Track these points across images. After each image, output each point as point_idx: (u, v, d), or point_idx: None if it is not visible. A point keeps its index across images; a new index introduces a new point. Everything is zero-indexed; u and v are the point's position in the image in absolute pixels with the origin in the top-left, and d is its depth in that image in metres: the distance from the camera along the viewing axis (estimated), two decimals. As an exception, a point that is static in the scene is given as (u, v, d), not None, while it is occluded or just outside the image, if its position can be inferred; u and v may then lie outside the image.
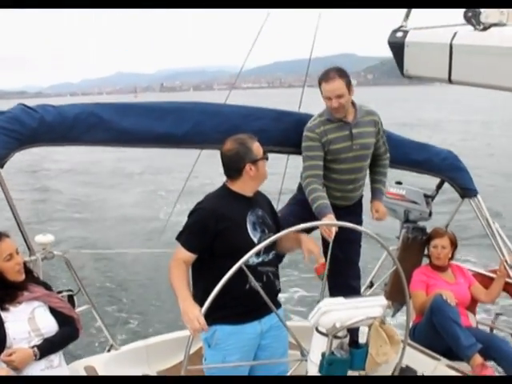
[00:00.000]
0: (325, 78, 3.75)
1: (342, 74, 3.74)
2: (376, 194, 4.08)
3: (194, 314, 2.75)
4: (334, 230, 3.28)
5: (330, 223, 3.21)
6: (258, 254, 3.08)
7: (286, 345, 3.31)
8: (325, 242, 4.10)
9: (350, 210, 3.97)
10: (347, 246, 4.04)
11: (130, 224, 13.20)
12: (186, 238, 3.11)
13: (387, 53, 3.71)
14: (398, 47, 3.42)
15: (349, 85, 3.75)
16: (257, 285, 2.84)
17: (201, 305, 2.79)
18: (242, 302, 3.02)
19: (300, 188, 4.13)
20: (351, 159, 3.91)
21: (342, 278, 3.94)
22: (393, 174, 4.72)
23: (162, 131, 3.73)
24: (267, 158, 3.25)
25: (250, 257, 2.73)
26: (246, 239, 3.09)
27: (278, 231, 3.16)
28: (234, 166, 3.18)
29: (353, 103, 3.91)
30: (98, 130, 3.55)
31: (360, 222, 4.01)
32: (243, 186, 3.21)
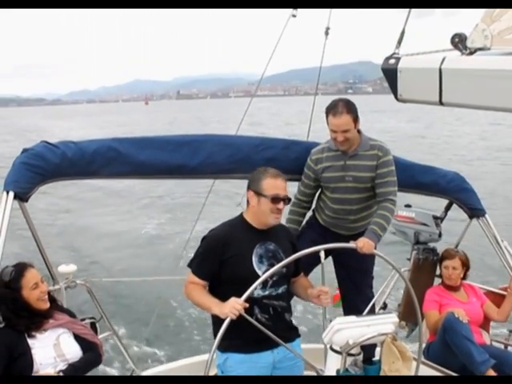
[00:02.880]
0: (332, 111, 3.80)
1: (349, 108, 3.78)
2: (366, 232, 3.78)
3: (231, 301, 2.84)
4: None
5: (332, 246, 3.19)
6: (264, 287, 3.12)
7: (301, 373, 3.32)
8: (336, 266, 4.23)
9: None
10: (356, 276, 4.15)
11: (149, 250, 13.31)
12: (196, 265, 3.19)
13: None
14: (391, 73, 3.49)
15: (356, 119, 3.82)
16: (250, 318, 2.88)
17: (215, 325, 2.92)
18: (250, 333, 2.98)
19: (313, 212, 4.29)
20: (342, 190, 3.96)
21: (355, 307, 3.94)
22: (403, 198, 4.78)
23: (177, 163, 3.88)
24: (274, 200, 3.14)
25: (253, 290, 2.83)
26: (248, 271, 3.09)
27: (296, 267, 3.28)
28: (246, 190, 3.29)
29: (360, 134, 3.94)
30: (117, 163, 3.70)
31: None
32: (251, 217, 3.25)
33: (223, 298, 2.93)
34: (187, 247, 4.96)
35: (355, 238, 3.66)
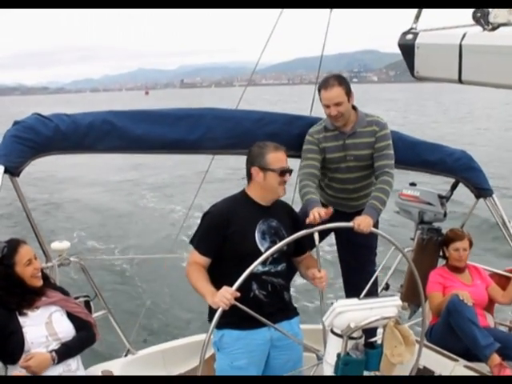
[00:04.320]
0: (324, 85, 3.76)
1: (341, 81, 3.76)
2: (365, 208, 3.69)
3: (222, 291, 2.82)
4: (317, 215, 3.19)
5: (328, 226, 3.09)
6: (264, 263, 3.10)
7: (301, 352, 3.31)
8: (339, 243, 4.21)
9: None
10: (360, 252, 4.09)
11: (145, 229, 13.32)
12: (198, 241, 3.19)
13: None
14: (408, 49, 3.40)
15: (348, 92, 3.76)
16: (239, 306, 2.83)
17: (210, 310, 2.91)
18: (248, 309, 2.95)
19: None
20: (344, 170, 3.93)
21: (357, 286, 3.93)
22: (408, 176, 4.74)
23: (175, 137, 3.78)
24: (281, 173, 3.19)
25: (256, 266, 2.80)
26: (251, 247, 3.11)
27: (298, 244, 3.23)
28: (247, 167, 3.29)
29: (356, 111, 3.90)
30: (112, 137, 3.61)
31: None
32: (255, 193, 3.26)
33: (225, 274, 2.95)
34: (184, 225, 4.93)
35: (357, 214, 3.60)
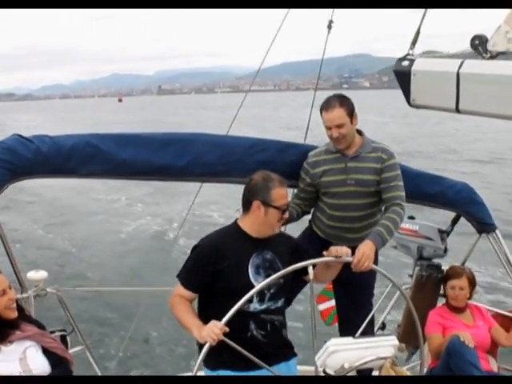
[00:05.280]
0: (325, 106, 3.83)
1: (343, 102, 3.82)
2: (370, 234, 3.70)
3: (210, 325, 2.81)
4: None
5: (324, 260, 3.10)
6: (261, 301, 3.12)
7: None
8: (334, 282, 4.15)
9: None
10: (357, 293, 4.12)
11: (125, 259, 13.27)
12: (186, 276, 3.18)
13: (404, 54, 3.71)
14: (404, 76, 3.49)
15: (351, 113, 3.83)
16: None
17: (200, 345, 2.88)
18: (242, 348, 2.91)
19: (310, 223, 4.27)
20: (343, 194, 3.92)
21: (353, 327, 3.93)
22: (407, 210, 4.75)
23: (162, 163, 3.84)
24: (283, 211, 3.20)
25: (245, 302, 2.80)
26: (244, 282, 3.08)
27: (297, 276, 3.21)
28: (246, 197, 3.26)
29: (361, 136, 3.97)
30: (96, 161, 3.66)
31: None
32: (251, 225, 3.25)
33: (217, 311, 2.91)
34: (172, 255, 4.95)
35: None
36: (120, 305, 9.02)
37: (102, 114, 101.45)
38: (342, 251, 3.11)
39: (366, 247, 3.37)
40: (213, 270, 3.09)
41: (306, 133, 4.97)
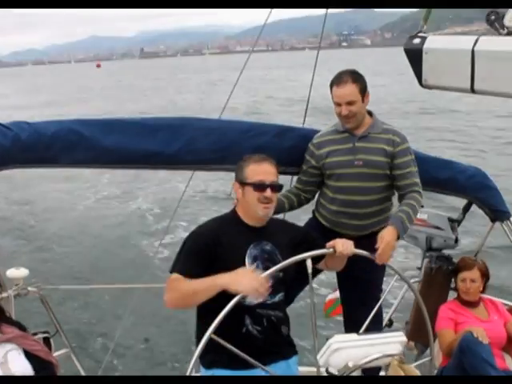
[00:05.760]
0: (336, 81, 3.78)
1: (356, 78, 3.78)
2: (391, 219, 3.74)
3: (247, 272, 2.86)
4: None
5: (326, 251, 3.10)
6: None
7: None
8: (339, 276, 4.17)
9: (362, 243, 3.42)
10: (364, 288, 4.06)
11: (112, 254, 13.21)
12: (182, 266, 3.09)
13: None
14: (415, 55, 3.49)
15: (363, 91, 3.78)
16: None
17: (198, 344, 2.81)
18: (239, 347, 2.86)
19: (313, 213, 4.22)
20: (350, 176, 3.85)
21: (360, 324, 3.91)
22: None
23: (151, 150, 3.79)
24: (261, 189, 3.14)
25: (238, 300, 2.74)
26: None
27: (299, 268, 3.11)
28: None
29: (372, 117, 3.93)
30: (79, 149, 3.61)
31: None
32: (242, 211, 3.26)
33: (211, 306, 2.87)
34: (159, 249, 4.91)
35: (364, 239, 3.60)
36: (107, 304, 8.98)
37: (80, 79, 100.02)
38: (346, 246, 3.09)
39: (389, 236, 3.43)
40: (212, 257, 3.05)
41: (305, 115, 4.90)
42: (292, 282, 3.34)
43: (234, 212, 3.29)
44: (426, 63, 3.41)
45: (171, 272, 3.10)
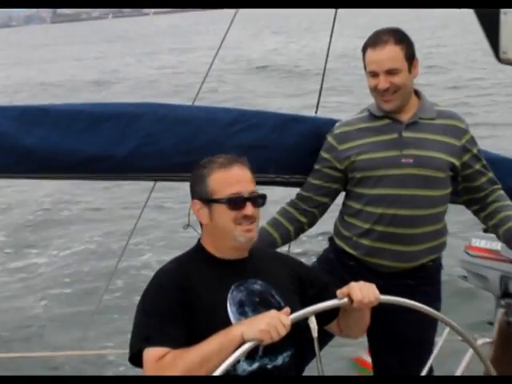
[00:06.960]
0: (372, 42, 3.39)
1: (401, 38, 3.39)
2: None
3: (271, 314, 2.52)
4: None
5: (337, 303, 2.68)
6: (252, 359, 2.69)
7: None
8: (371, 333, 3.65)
9: (406, 283, 3.38)
10: (411, 351, 3.62)
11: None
12: (159, 332, 2.67)
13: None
14: (490, 19, 3.47)
15: (411, 57, 3.38)
16: None
17: None
18: None
19: (329, 241, 3.79)
20: (395, 180, 3.37)
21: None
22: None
23: (93, 152, 3.45)
24: (237, 204, 2.75)
25: (228, 366, 2.44)
26: (223, 327, 2.62)
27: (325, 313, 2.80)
28: None
29: (418, 96, 3.51)
30: None
31: (432, 302, 3.23)
32: (213, 243, 2.85)
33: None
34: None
35: (409, 276, 3.42)
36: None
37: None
38: (367, 292, 2.65)
39: None
40: (186, 311, 2.70)
41: (319, 98, 4.37)
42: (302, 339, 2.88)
43: (199, 246, 2.91)
44: (505, 29, 3.39)
45: (140, 349, 2.65)
